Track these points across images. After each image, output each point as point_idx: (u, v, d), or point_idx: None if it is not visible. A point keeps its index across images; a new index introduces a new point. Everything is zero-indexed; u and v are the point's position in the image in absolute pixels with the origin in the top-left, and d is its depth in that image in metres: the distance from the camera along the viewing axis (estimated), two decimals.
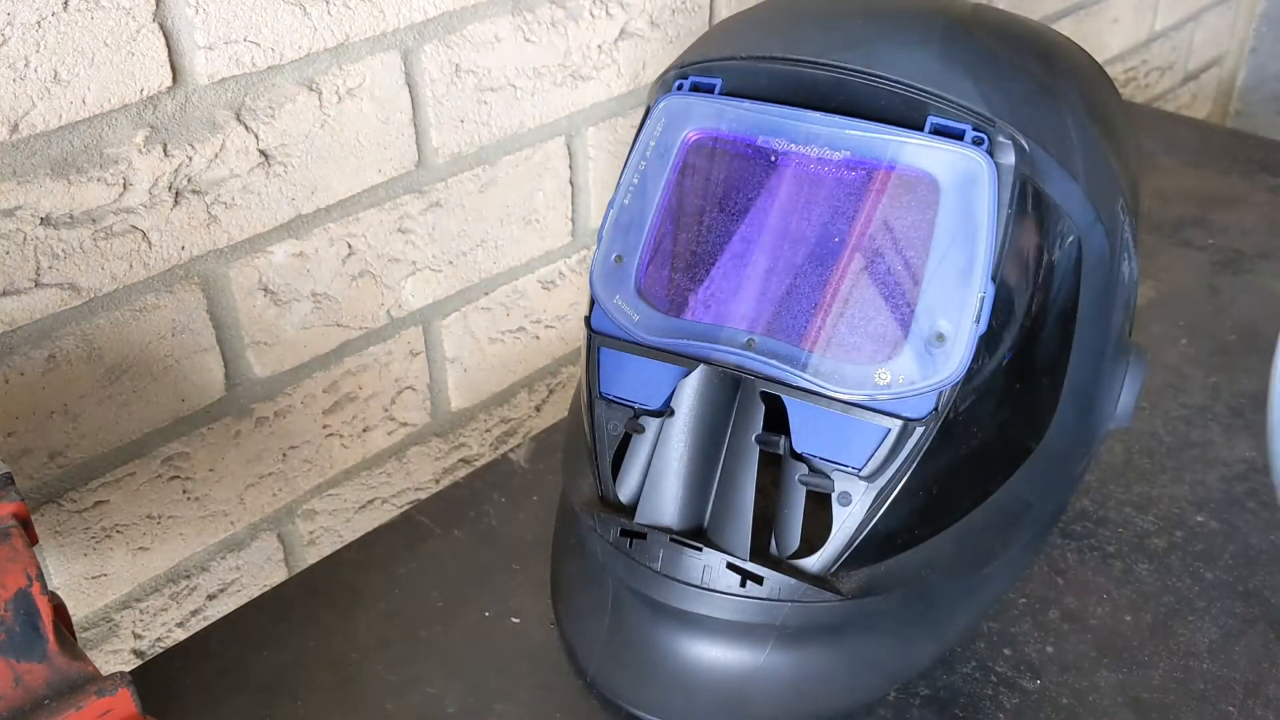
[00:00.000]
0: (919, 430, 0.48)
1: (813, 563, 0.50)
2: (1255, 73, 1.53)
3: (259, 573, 0.76)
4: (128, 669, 0.47)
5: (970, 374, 0.47)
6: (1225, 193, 0.98)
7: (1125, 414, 0.58)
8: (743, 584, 0.50)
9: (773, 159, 0.51)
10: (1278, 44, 1.59)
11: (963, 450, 0.50)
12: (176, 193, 0.62)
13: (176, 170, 0.61)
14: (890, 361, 0.47)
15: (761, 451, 0.49)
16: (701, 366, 0.50)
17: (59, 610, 0.44)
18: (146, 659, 0.66)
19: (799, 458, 0.49)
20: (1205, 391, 0.75)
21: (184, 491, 0.69)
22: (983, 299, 0.47)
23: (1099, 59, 0.58)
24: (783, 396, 0.49)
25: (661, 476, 0.50)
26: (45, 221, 0.58)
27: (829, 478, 0.49)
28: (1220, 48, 1.56)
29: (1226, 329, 0.82)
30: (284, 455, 0.73)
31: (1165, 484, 0.67)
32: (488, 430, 0.87)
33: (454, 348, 0.81)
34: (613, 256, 0.53)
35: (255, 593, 0.70)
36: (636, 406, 0.52)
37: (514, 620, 0.61)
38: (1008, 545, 0.56)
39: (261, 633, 0.61)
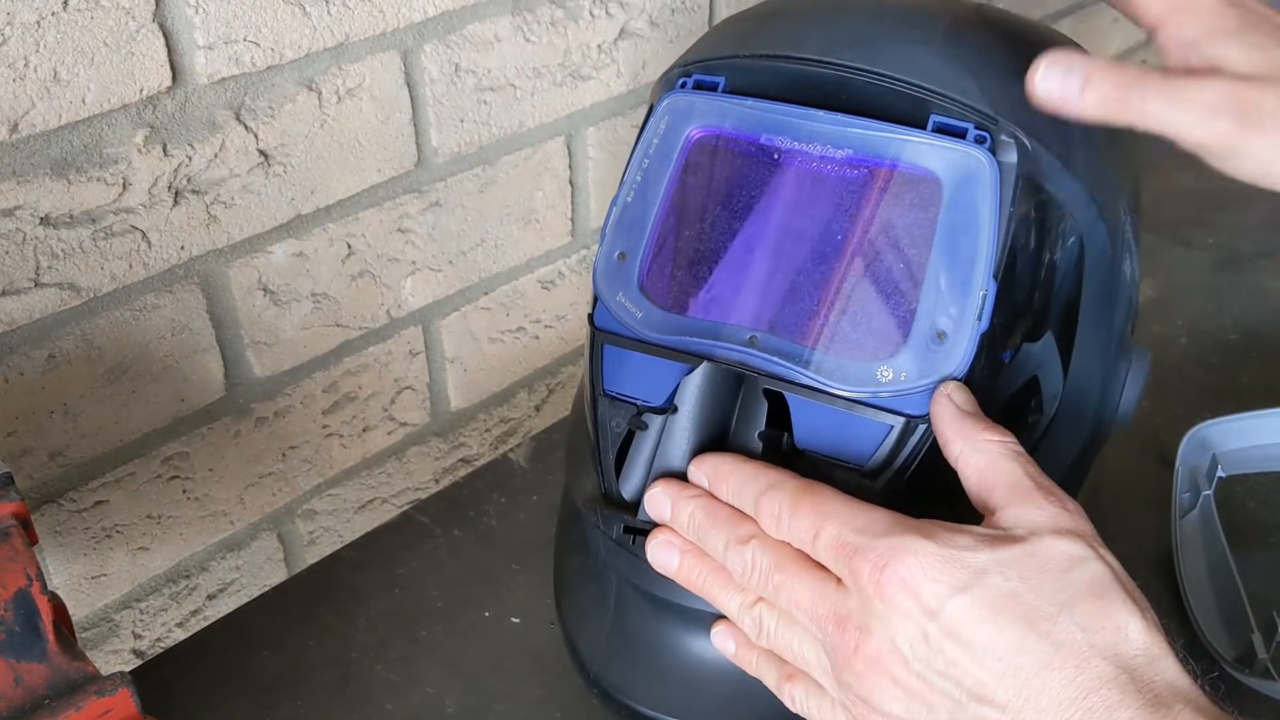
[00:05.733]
0: (921, 428, 0.48)
1: None
2: None
3: (259, 572, 0.75)
4: (128, 669, 0.47)
5: (971, 372, 0.47)
6: (1225, 193, 0.98)
7: (1126, 413, 0.58)
8: None
9: (776, 157, 0.51)
10: None
11: None
12: (176, 192, 0.62)
13: (176, 170, 0.61)
14: (892, 359, 0.47)
15: (764, 449, 0.49)
16: (704, 364, 0.50)
17: (59, 610, 0.44)
18: (146, 659, 0.66)
19: (801, 455, 0.49)
20: (1205, 391, 0.75)
21: (184, 491, 0.69)
22: (984, 297, 0.47)
23: None
24: (785, 394, 0.49)
25: (665, 473, 0.50)
26: (45, 221, 0.57)
27: (831, 475, 0.49)
28: None
29: (1226, 329, 0.82)
30: (284, 455, 0.73)
31: (1165, 483, 0.67)
32: (487, 430, 0.87)
33: (454, 347, 0.81)
34: (616, 254, 0.53)
35: (255, 593, 0.70)
36: (639, 403, 0.52)
37: (514, 620, 0.61)
38: None
39: (261, 633, 0.61)
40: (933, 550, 0.41)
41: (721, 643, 0.49)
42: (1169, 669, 0.39)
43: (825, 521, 0.43)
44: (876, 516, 0.43)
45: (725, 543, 0.46)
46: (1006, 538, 0.42)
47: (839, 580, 0.43)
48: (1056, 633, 0.39)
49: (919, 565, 0.41)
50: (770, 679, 0.48)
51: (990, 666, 0.39)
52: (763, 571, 0.45)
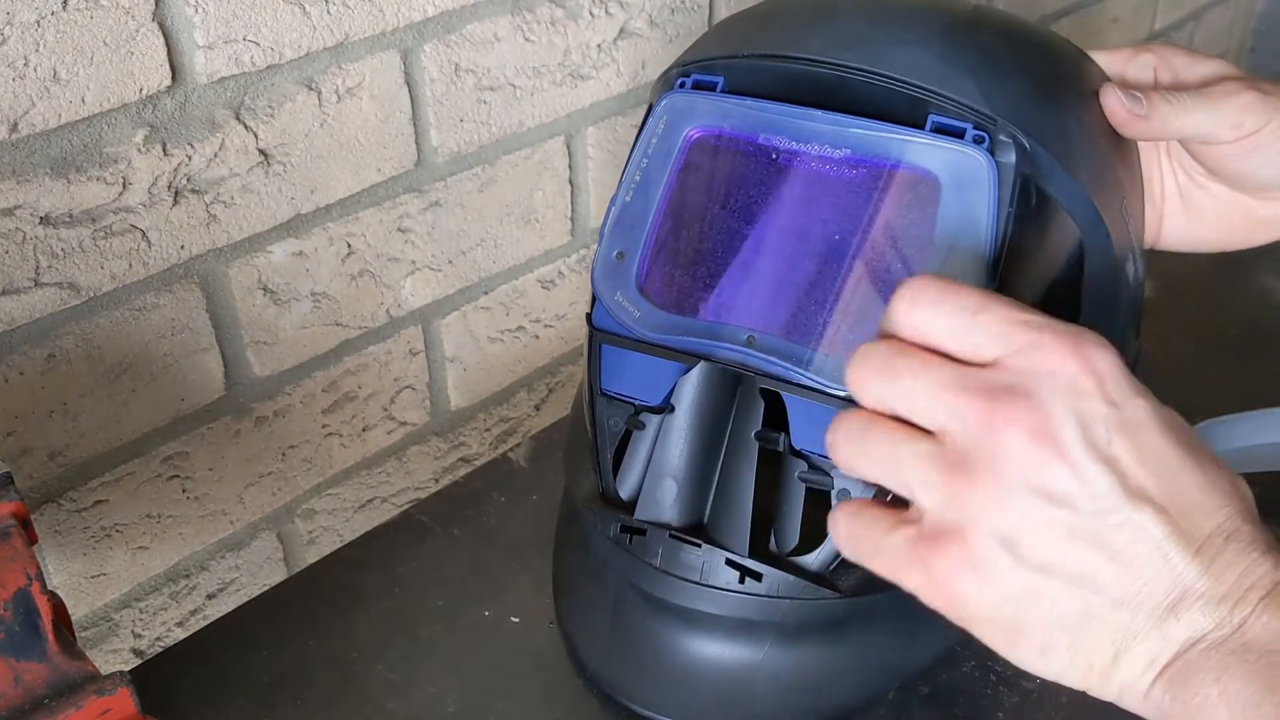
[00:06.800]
0: None
1: (812, 560, 0.50)
2: (1254, 72, 1.53)
3: (259, 572, 0.75)
4: (127, 668, 0.47)
5: None
6: None
7: None
8: (741, 580, 0.50)
9: (774, 157, 0.51)
10: (1277, 44, 1.59)
11: None
12: (176, 192, 0.62)
13: (176, 169, 0.61)
14: None
15: (761, 448, 0.49)
16: (702, 363, 0.50)
17: (58, 610, 0.44)
18: (146, 658, 0.66)
19: (798, 455, 0.49)
20: (1205, 391, 0.75)
21: (183, 491, 0.69)
22: None
23: (1094, 58, 0.58)
24: (783, 393, 0.49)
25: (661, 473, 0.50)
26: (45, 221, 0.58)
27: (828, 475, 0.49)
28: (1220, 47, 1.56)
29: (1226, 329, 0.82)
30: (283, 454, 0.73)
31: None
32: (487, 429, 0.87)
33: (453, 347, 0.81)
34: (614, 253, 0.53)
35: (255, 592, 0.70)
36: (637, 403, 0.52)
37: (514, 620, 0.61)
38: None
39: (261, 633, 0.61)
40: (1116, 353, 0.40)
41: (831, 524, 0.44)
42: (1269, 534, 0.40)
43: (992, 301, 0.40)
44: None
45: (857, 378, 0.41)
46: None
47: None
48: (1213, 471, 0.40)
49: (1107, 356, 0.39)
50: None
51: (1156, 471, 0.39)
52: (881, 363, 0.40)
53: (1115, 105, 0.53)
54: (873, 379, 0.41)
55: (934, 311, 0.40)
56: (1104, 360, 0.39)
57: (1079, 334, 0.39)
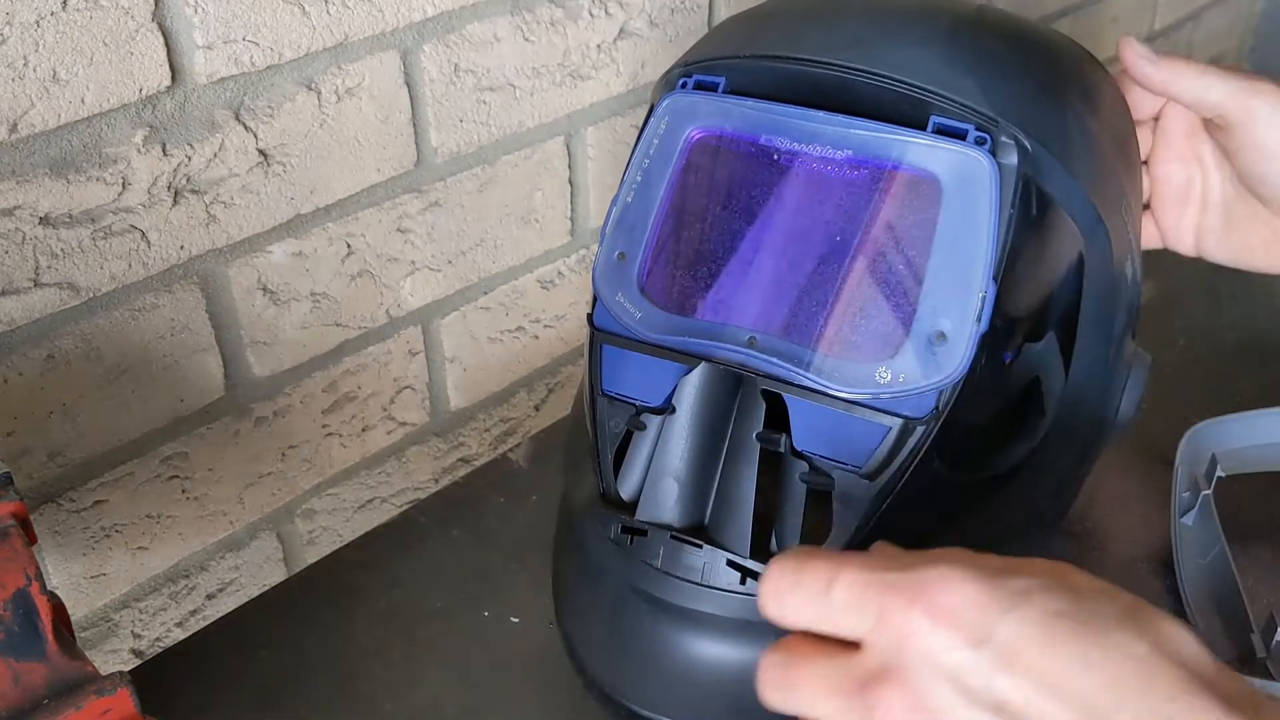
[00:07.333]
0: (919, 429, 0.48)
1: None
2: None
3: (258, 572, 0.75)
4: (127, 669, 0.47)
5: (971, 374, 0.47)
6: None
7: (1127, 416, 0.58)
8: (743, 581, 0.50)
9: (776, 158, 0.51)
10: (1277, 44, 1.59)
11: (963, 450, 0.50)
12: (175, 192, 0.62)
13: (175, 170, 0.61)
14: (891, 360, 0.47)
15: (762, 449, 0.49)
16: (703, 364, 0.50)
17: (58, 610, 0.44)
18: (146, 659, 0.66)
19: (800, 456, 0.49)
20: (1204, 392, 0.75)
21: (183, 491, 0.69)
22: (984, 299, 0.47)
23: (1098, 58, 0.58)
24: (784, 395, 0.49)
25: (662, 474, 0.50)
26: (44, 221, 0.57)
27: (829, 476, 0.49)
28: (1220, 47, 1.56)
29: (1226, 329, 0.82)
30: (283, 455, 0.73)
31: (1165, 483, 0.67)
32: (487, 430, 0.87)
33: (453, 347, 0.81)
34: (615, 254, 0.53)
35: (254, 592, 0.70)
36: (638, 404, 0.52)
37: (514, 620, 0.61)
38: (1008, 545, 0.56)
39: (261, 633, 0.61)
40: (969, 574, 0.37)
41: None
42: (1234, 676, 0.36)
43: (842, 568, 0.39)
44: (895, 553, 0.40)
45: (766, 696, 0.41)
46: (1035, 565, 0.39)
47: (855, 645, 0.39)
48: (1117, 645, 0.36)
49: (956, 591, 0.37)
50: None
51: (1054, 694, 0.35)
52: (778, 677, 0.40)
53: (1127, 48, 0.56)
54: (777, 695, 0.40)
55: (794, 598, 0.40)
56: (952, 597, 0.37)
57: (918, 583, 0.37)
